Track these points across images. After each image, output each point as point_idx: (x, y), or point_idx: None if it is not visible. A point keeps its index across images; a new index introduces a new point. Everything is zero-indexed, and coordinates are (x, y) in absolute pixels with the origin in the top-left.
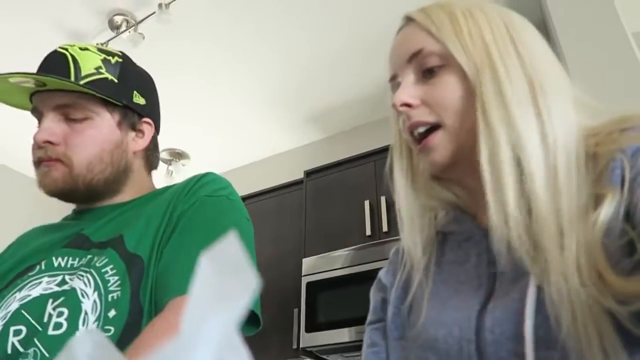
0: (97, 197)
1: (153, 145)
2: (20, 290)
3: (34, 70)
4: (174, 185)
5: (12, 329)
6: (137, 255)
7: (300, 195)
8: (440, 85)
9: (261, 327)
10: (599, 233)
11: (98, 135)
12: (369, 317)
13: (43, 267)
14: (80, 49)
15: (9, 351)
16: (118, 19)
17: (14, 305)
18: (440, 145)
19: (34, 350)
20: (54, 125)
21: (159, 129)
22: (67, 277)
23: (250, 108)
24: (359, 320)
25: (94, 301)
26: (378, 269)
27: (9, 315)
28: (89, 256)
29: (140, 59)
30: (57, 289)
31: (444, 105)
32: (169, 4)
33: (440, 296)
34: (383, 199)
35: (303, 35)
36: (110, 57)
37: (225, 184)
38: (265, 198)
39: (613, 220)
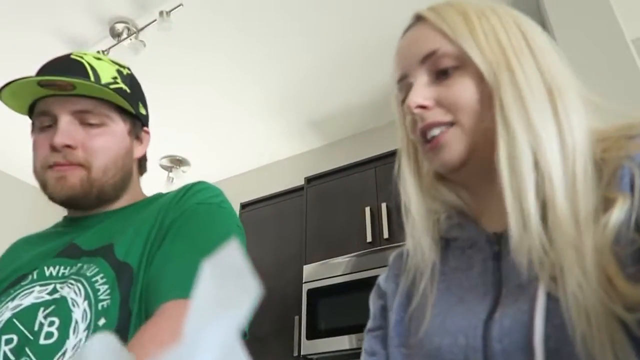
0: (102, 203)
1: (145, 153)
2: (12, 299)
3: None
4: (165, 194)
5: (3, 337)
6: (126, 264)
7: (301, 202)
8: (455, 87)
9: (247, 337)
10: (610, 237)
11: (114, 141)
12: (369, 324)
13: (35, 276)
14: (95, 58)
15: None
16: (119, 26)
17: (6, 315)
18: (453, 142)
19: None
20: (71, 129)
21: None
22: (58, 286)
23: (250, 115)
24: (360, 328)
25: (84, 310)
26: (379, 276)
27: (1, 324)
28: (79, 264)
29: (141, 67)
30: (48, 297)
31: (460, 106)
32: (170, 11)
33: (444, 304)
34: (384, 205)
35: (303, 42)
36: (122, 69)
37: (216, 192)
38: (265, 205)
39: (624, 225)
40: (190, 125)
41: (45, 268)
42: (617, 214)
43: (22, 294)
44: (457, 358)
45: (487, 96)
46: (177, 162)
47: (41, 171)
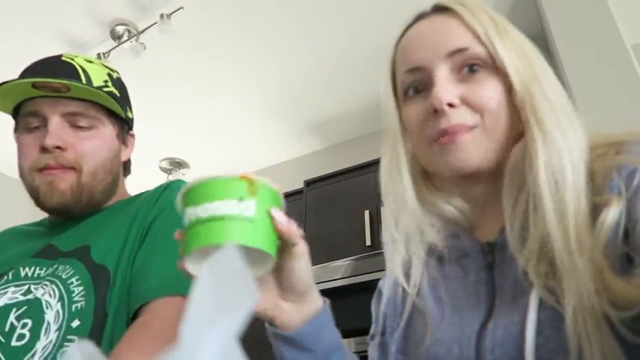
0: (90, 208)
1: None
2: None
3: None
4: (142, 193)
5: None
6: (103, 266)
7: (300, 205)
8: (483, 87)
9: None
10: (605, 236)
11: (103, 144)
12: (371, 330)
13: (10, 277)
14: (86, 60)
15: None
16: (120, 29)
17: None
18: (471, 145)
19: None
20: (62, 131)
21: None
22: (32, 287)
23: (250, 117)
24: (360, 331)
25: (57, 311)
26: (378, 279)
27: None
28: (55, 265)
29: (141, 69)
30: (21, 298)
31: (487, 106)
32: (171, 14)
33: (438, 313)
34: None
35: (303, 45)
36: (112, 72)
37: None
38: None
39: (616, 227)
40: (190, 127)
41: (21, 269)
42: (613, 213)
43: None
44: None
45: (512, 104)
46: (176, 165)
47: (30, 174)
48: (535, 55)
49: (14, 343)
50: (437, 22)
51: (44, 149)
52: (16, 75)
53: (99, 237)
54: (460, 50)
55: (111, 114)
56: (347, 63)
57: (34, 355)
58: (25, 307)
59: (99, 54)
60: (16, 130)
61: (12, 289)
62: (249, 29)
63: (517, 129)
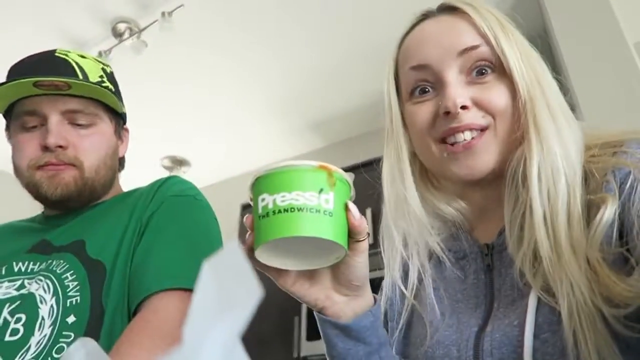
0: (90, 202)
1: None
2: None
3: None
4: (138, 189)
5: None
6: (99, 261)
7: None
8: (494, 90)
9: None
10: (601, 234)
11: (103, 141)
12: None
13: (4, 272)
14: (80, 56)
15: None
16: (121, 26)
17: None
18: (488, 149)
19: None
20: (63, 129)
21: None
22: (26, 282)
23: (251, 116)
24: None
25: (51, 306)
26: (381, 278)
27: None
28: (49, 260)
29: (143, 67)
30: (15, 293)
31: (498, 109)
32: (172, 12)
33: (438, 315)
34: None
35: (305, 43)
36: (105, 67)
37: (191, 185)
38: None
39: (611, 227)
40: (192, 125)
41: (14, 264)
42: (609, 212)
43: None
44: None
45: (517, 107)
46: (177, 163)
47: (28, 171)
48: (537, 59)
49: (7, 338)
50: (446, 22)
51: (45, 148)
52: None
53: (94, 232)
54: (470, 49)
55: (108, 110)
56: (348, 61)
57: (27, 350)
58: (18, 302)
59: (100, 52)
60: (7, 128)
61: (6, 284)
62: (250, 27)
63: (519, 133)
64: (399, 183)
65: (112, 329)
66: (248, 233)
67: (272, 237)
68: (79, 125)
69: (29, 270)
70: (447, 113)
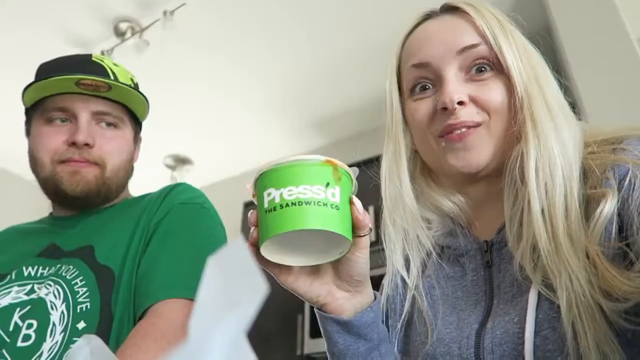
0: (104, 202)
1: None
2: None
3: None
4: (147, 195)
5: None
6: (107, 267)
7: None
8: (490, 87)
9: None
10: (600, 228)
11: (125, 144)
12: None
13: (14, 276)
14: (113, 64)
15: None
16: (123, 25)
17: None
18: (482, 144)
19: None
20: (91, 128)
21: None
22: (35, 286)
23: (253, 114)
24: None
25: (62, 312)
26: (383, 275)
27: None
28: (58, 265)
29: (144, 66)
30: (25, 297)
31: (493, 106)
32: (174, 11)
33: (438, 313)
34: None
35: (306, 42)
36: (132, 77)
37: (198, 193)
38: None
39: (610, 222)
40: (193, 124)
41: (24, 268)
42: (609, 205)
43: (1, 294)
44: None
45: (514, 105)
46: (180, 161)
47: (51, 165)
48: (536, 56)
49: (19, 344)
50: (447, 21)
51: (72, 144)
52: (20, 73)
53: (102, 238)
54: (469, 47)
55: (130, 117)
56: (348, 60)
57: (40, 356)
58: (29, 307)
59: (102, 51)
60: (32, 122)
61: (16, 288)
62: (252, 25)
63: (516, 129)
64: (395, 179)
65: (120, 334)
66: (252, 229)
67: (280, 230)
68: (106, 126)
69: (38, 275)
70: (445, 109)
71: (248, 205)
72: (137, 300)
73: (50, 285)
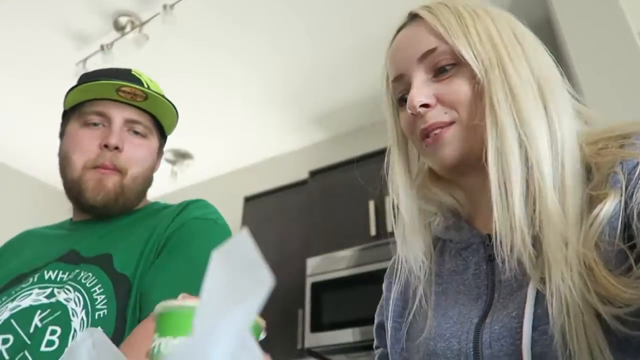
0: (121, 210)
1: None
2: (12, 300)
3: (42, 70)
4: (166, 207)
5: (1, 337)
6: (124, 275)
7: (305, 195)
8: (454, 84)
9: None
10: (597, 230)
11: (150, 154)
12: (375, 341)
13: (35, 279)
14: (149, 79)
15: None
16: (123, 19)
17: (5, 315)
18: (453, 140)
19: None
20: (122, 134)
21: None
22: (55, 290)
23: (254, 108)
24: (364, 321)
25: (82, 319)
26: (383, 269)
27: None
28: (76, 270)
29: (144, 60)
30: (45, 301)
31: (458, 102)
32: (174, 4)
33: (440, 307)
34: (388, 198)
35: (307, 36)
36: (164, 94)
37: (213, 210)
38: (269, 198)
39: (610, 222)
40: (194, 118)
41: (45, 272)
42: (608, 207)
43: (21, 295)
44: None
45: (479, 93)
46: (180, 156)
47: (83, 169)
48: (507, 38)
49: (43, 348)
50: (410, 30)
51: (105, 146)
52: (21, 67)
53: (120, 247)
54: (428, 53)
55: (158, 129)
56: (348, 54)
57: None
58: (48, 310)
59: (102, 46)
60: (65, 124)
61: (36, 290)
62: (251, 20)
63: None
64: (393, 178)
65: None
66: None
67: None
68: (135, 134)
69: (58, 279)
70: (414, 115)
71: (249, 200)
72: (142, 306)
73: (70, 291)
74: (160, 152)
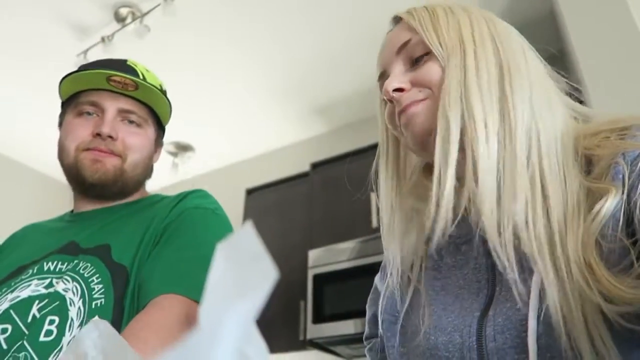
0: (118, 196)
1: None
2: (12, 291)
3: (43, 62)
4: (164, 198)
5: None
6: (122, 265)
7: (307, 188)
8: (426, 66)
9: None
10: (597, 227)
11: (146, 143)
12: (365, 331)
13: (35, 270)
14: (145, 69)
15: None
16: (124, 11)
17: (5, 305)
18: (424, 111)
19: (25, 355)
20: (115, 123)
21: None
22: (54, 281)
23: (255, 100)
24: (365, 313)
25: (79, 308)
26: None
27: None
28: (75, 261)
29: (145, 51)
30: (43, 291)
31: (431, 81)
32: None
33: (440, 302)
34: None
35: (308, 28)
36: (162, 84)
37: (212, 200)
38: (271, 190)
39: (611, 218)
40: (195, 110)
41: (45, 263)
42: (609, 204)
43: (21, 286)
44: (453, 356)
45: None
46: (181, 148)
47: (75, 152)
48: (478, 31)
49: (42, 338)
50: (392, 33)
51: (97, 135)
52: (21, 59)
53: (118, 237)
54: (404, 45)
55: (154, 119)
56: (350, 46)
57: (60, 349)
58: (46, 300)
59: (103, 38)
60: (63, 114)
61: (36, 281)
62: (252, 11)
63: None
64: (379, 179)
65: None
66: None
67: None
68: (129, 123)
69: (57, 270)
70: (390, 101)
71: (250, 192)
72: (140, 295)
73: (68, 281)
74: (158, 142)
